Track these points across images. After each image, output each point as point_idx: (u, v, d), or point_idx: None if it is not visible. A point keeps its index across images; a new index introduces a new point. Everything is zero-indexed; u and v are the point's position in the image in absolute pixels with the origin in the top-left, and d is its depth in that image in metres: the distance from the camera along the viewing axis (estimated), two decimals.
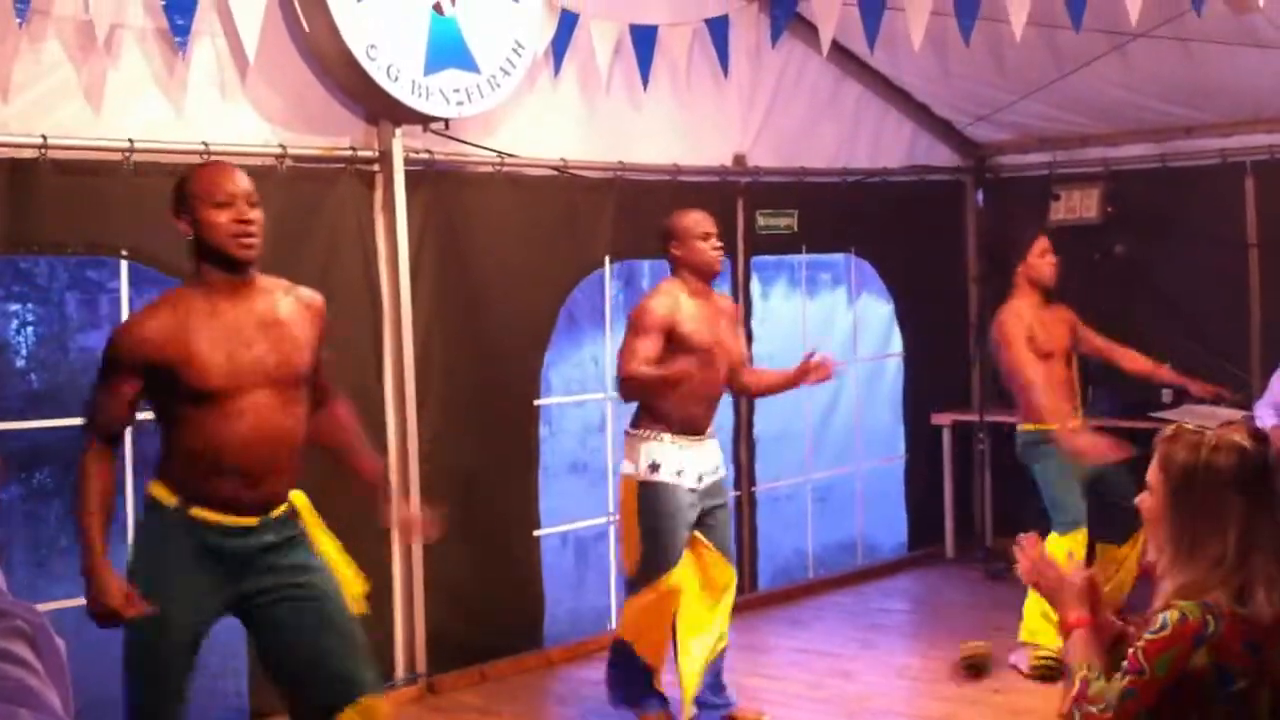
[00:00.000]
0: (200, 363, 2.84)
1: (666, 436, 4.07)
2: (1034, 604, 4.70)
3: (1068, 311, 5.10)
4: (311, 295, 3.11)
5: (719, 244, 4.18)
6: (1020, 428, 5.00)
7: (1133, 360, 5.28)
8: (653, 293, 4.19)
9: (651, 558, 4.03)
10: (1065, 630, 2.21)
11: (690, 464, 4.09)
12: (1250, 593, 2.04)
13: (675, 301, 4.10)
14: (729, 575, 4.21)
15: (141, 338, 2.86)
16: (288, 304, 3.01)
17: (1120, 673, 2.05)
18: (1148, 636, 2.03)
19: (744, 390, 4.48)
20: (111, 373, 2.88)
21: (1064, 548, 4.60)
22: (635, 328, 4.07)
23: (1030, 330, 4.88)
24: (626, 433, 4.18)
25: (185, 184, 2.98)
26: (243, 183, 2.94)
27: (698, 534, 4.15)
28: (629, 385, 4.04)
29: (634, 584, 4.09)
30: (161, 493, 2.92)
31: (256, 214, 2.93)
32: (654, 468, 4.06)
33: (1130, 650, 2.05)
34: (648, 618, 4.05)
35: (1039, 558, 2.31)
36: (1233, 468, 2.09)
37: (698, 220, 4.16)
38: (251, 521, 2.92)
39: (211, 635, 3.01)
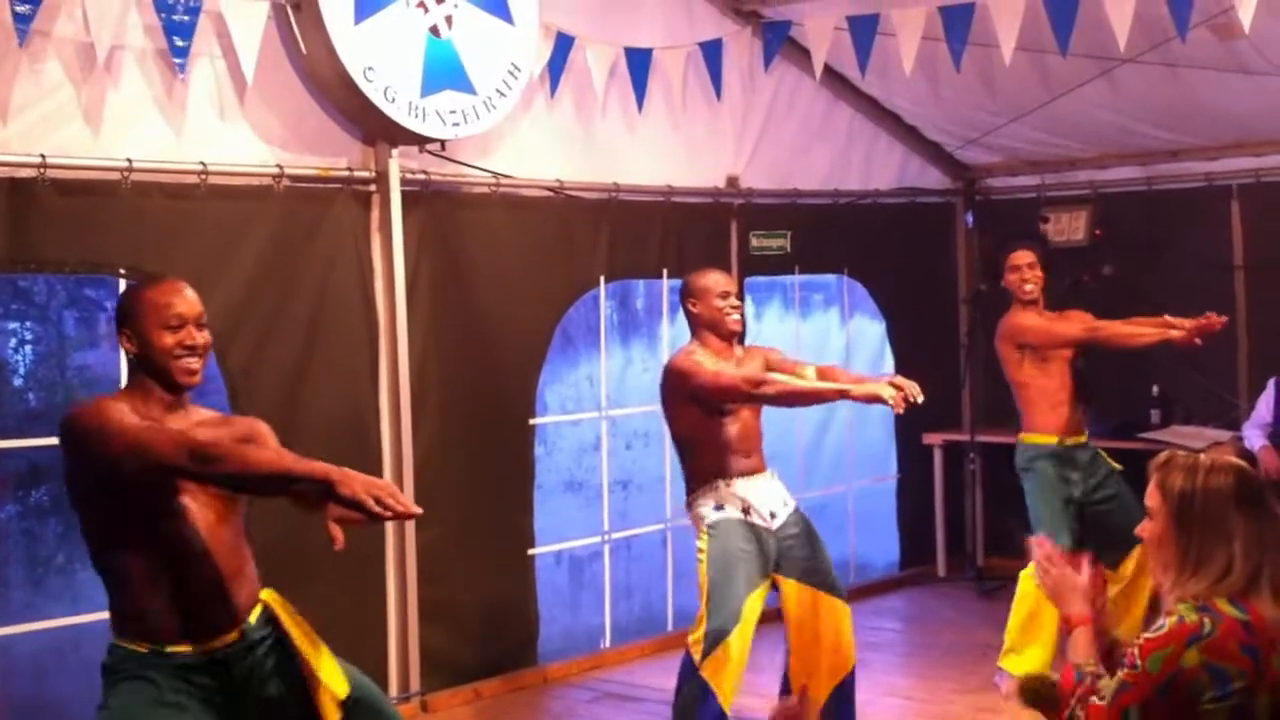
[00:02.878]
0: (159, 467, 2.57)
1: (720, 482, 4.02)
2: (1016, 622, 4.72)
3: (1082, 315, 5.01)
4: (258, 426, 2.91)
5: (737, 303, 4.13)
6: (1021, 439, 4.96)
7: (1142, 336, 4.92)
8: (680, 354, 4.11)
9: (717, 608, 3.91)
10: (1068, 628, 2.29)
11: (756, 499, 4.02)
12: (1258, 596, 2.10)
13: (701, 358, 4.04)
14: (838, 610, 4.10)
15: (125, 412, 2.62)
16: (211, 416, 2.85)
17: (1121, 668, 2.12)
18: (1146, 636, 2.10)
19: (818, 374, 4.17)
20: (125, 425, 2.59)
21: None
22: (694, 375, 3.98)
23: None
24: (687, 510, 4.09)
25: (134, 297, 2.78)
26: (194, 304, 2.76)
27: (794, 581, 4.05)
28: (750, 392, 3.90)
29: (711, 637, 3.90)
30: (128, 645, 2.68)
31: (203, 337, 2.75)
32: (719, 508, 4.01)
33: (1130, 649, 2.12)
34: (725, 680, 3.92)
35: (1047, 556, 2.39)
36: (1231, 486, 2.16)
37: (717, 280, 4.13)
38: (232, 637, 2.72)
39: None
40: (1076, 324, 4.91)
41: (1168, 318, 4.84)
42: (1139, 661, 2.08)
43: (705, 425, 4.04)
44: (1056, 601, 2.35)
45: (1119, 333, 4.89)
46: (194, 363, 2.74)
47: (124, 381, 2.97)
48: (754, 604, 3.98)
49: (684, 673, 4.00)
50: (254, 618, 2.77)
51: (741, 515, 4.01)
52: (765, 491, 4.08)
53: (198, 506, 2.70)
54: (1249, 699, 2.05)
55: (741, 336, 4.28)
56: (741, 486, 4.03)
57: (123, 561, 2.69)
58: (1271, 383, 5.53)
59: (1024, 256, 4.91)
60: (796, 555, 4.08)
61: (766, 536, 4.02)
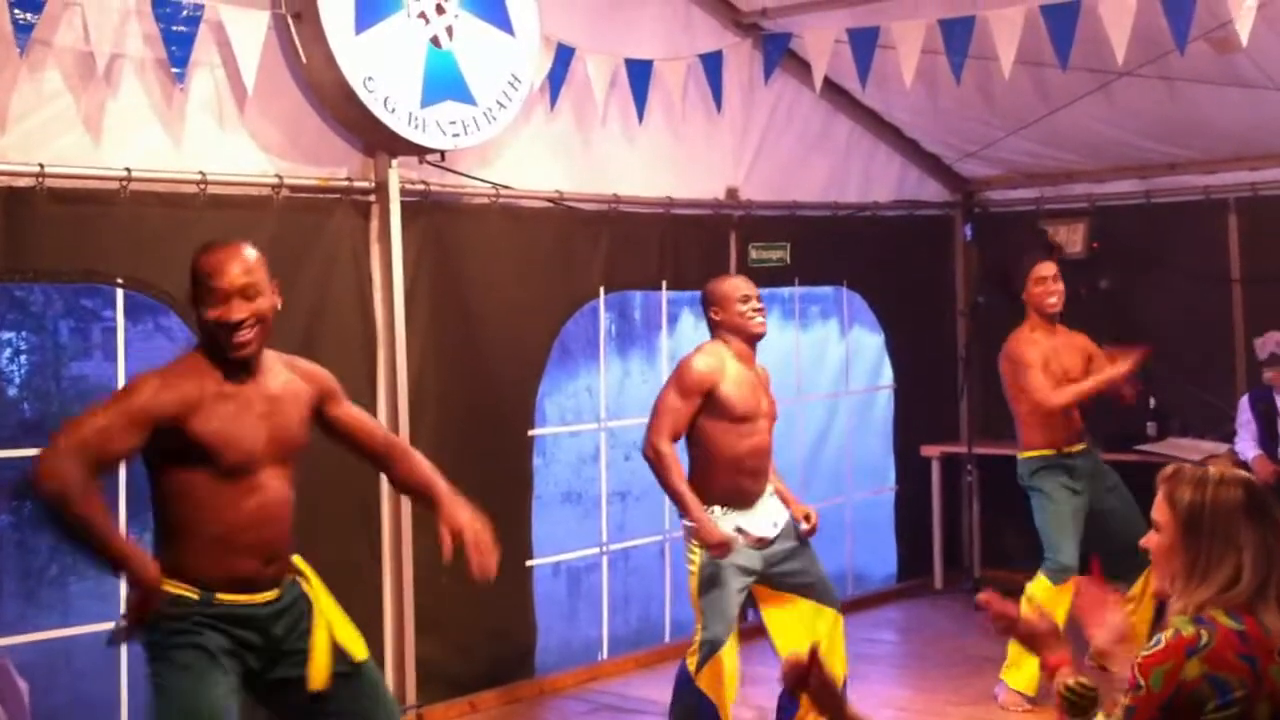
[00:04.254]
0: (221, 438, 2.76)
1: (716, 509, 4.01)
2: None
3: (1085, 339, 5.00)
4: (308, 366, 3.04)
5: (759, 305, 4.13)
6: (1020, 455, 4.95)
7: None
8: (696, 350, 4.12)
9: (709, 623, 3.94)
10: (1049, 672, 2.28)
11: (749, 524, 4.03)
12: (1263, 607, 2.10)
13: (719, 362, 4.04)
14: (829, 618, 4.12)
15: (169, 394, 2.73)
16: (286, 378, 2.95)
17: (1123, 693, 2.10)
18: (1144, 654, 2.09)
19: None
20: (123, 413, 2.70)
21: (1054, 600, 4.56)
22: (674, 383, 4.03)
23: (1044, 357, 4.81)
24: (683, 524, 4.08)
25: (192, 265, 2.84)
26: (240, 275, 2.78)
27: (783, 594, 4.08)
28: (649, 452, 4.00)
29: (705, 647, 3.95)
30: (179, 589, 2.77)
31: (251, 309, 2.78)
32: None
33: (1130, 670, 2.10)
34: (720, 689, 3.95)
35: (1004, 612, 2.37)
36: (1241, 498, 2.15)
37: (736, 284, 4.13)
38: (271, 596, 2.86)
39: None
40: (1060, 397, 4.76)
41: (1110, 357, 4.79)
42: (1141, 681, 2.06)
43: (713, 434, 4.01)
44: (1030, 649, 2.34)
45: (1079, 395, 4.80)
46: (244, 334, 2.78)
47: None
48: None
49: (680, 683, 4.00)
50: (287, 580, 2.90)
51: (733, 532, 4.01)
52: (758, 517, 4.06)
53: (267, 474, 2.81)
54: (1249, 707, 2.05)
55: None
56: (735, 519, 4.02)
57: (187, 507, 2.77)
58: (1243, 402, 5.56)
59: (1049, 268, 4.88)
60: (787, 569, 4.09)
61: (754, 553, 4.03)
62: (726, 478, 4.02)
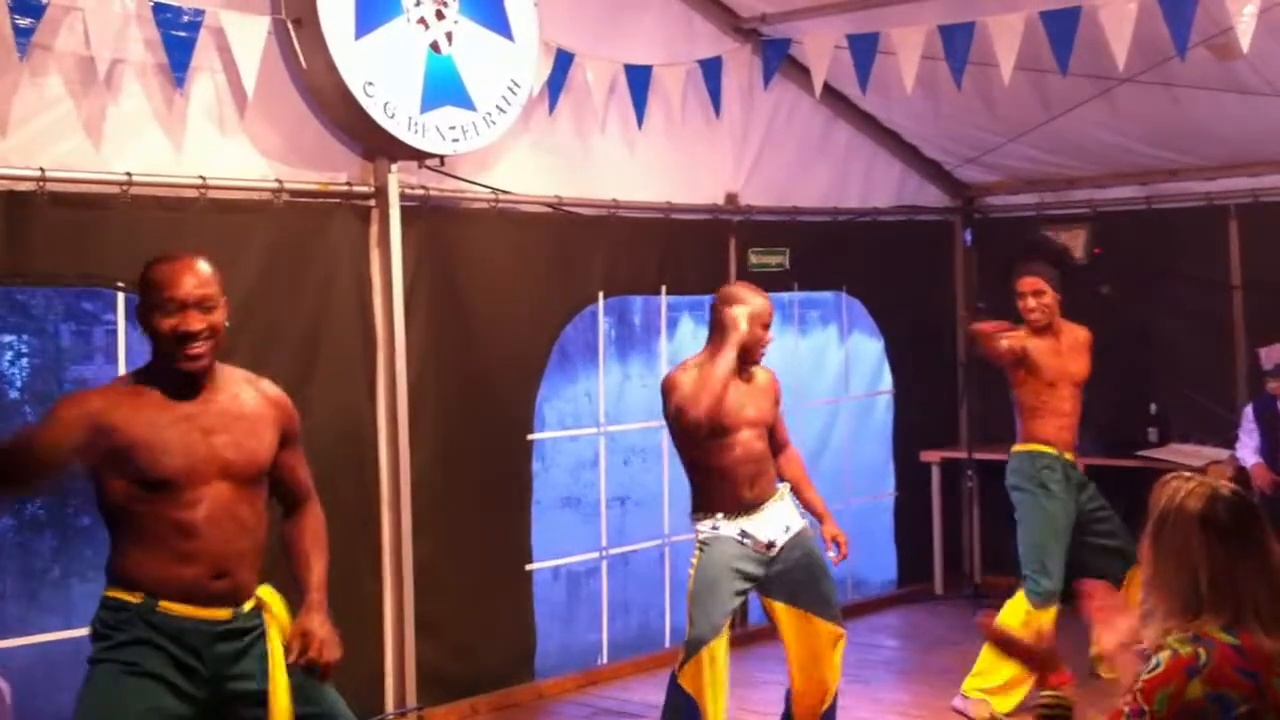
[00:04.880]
0: (155, 449, 2.68)
1: (720, 515, 4.00)
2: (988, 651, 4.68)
3: (1086, 335, 4.96)
4: (276, 391, 2.93)
5: (772, 336, 4.09)
6: (1020, 449, 4.89)
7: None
8: (681, 367, 4.05)
9: (697, 618, 3.93)
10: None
11: (754, 529, 4.01)
12: (1243, 625, 2.07)
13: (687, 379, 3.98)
14: (824, 632, 4.07)
15: (97, 409, 2.67)
16: (249, 396, 2.85)
17: (1124, 717, 2.07)
18: (1144, 677, 2.06)
19: (776, 470, 4.23)
20: (53, 426, 2.64)
21: (1033, 623, 4.52)
22: (677, 399, 3.94)
23: (1028, 354, 4.78)
24: (694, 525, 4.06)
25: (142, 275, 2.77)
26: (197, 287, 2.73)
27: (783, 604, 4.05)
28: (705, 407, 3.86)
29: (691, 645, 3.93)
30: (122, 594, 2.71)
31: (211, 319, 2.73)
32: (715, 528, 3.99)
33: (1129, 694, 2.08)
34: (706, 687, 3.92)
35: (1001, 633, 2.36)
36: (1199, 510, 2.11)
37: (767, 308, 4.05)
38: (225, 614, 2.74)
39: None
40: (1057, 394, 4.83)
41: None
42: (1145, 706, 2.03)
43: (703, 449, 4.01)
44: (1028, 669, 2.32)
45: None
46: (199, 347, 2.72)
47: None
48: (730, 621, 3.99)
49: (669, 685, 4.01)
50: (247, 606, 2.79)
51: (737, 536, 4.00)
52: (766, 521, 4.04)
53: (218, 489, 2.73)
54: None
55: None
56: (740, 524, 4.00)
57: (129, 517, 2.71)
58: (1247, 410, 5.55)
59: (1029, 283, 4.83)
60: (789, 579, 4.06)
61: (758, 558, 4.02)
62: (722, 489, 4.01)
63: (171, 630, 2.70)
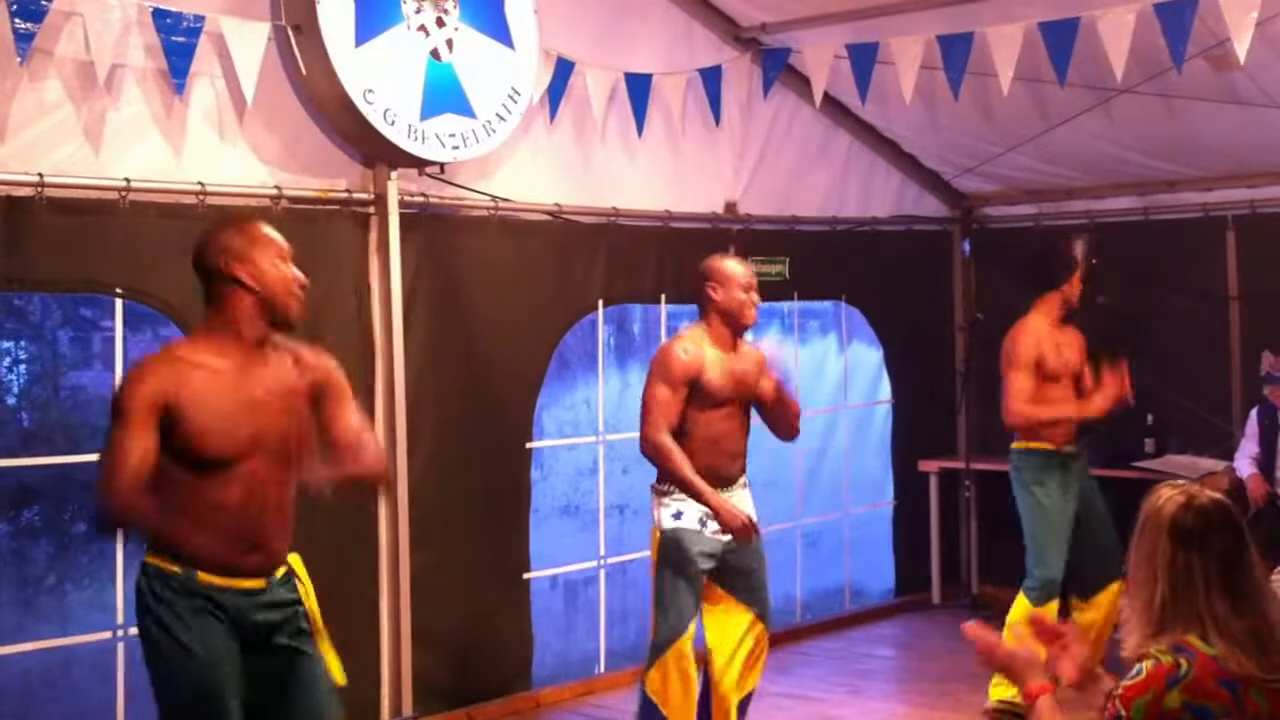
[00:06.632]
0: (204, 428, 2.76)
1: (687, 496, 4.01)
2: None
3: (1079, 335, 5.04)
4: (309, 354, 3.01)
5: (758, 298, 4.11)
6: (1018, 446, 4.91)
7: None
8: (675, 338, 4.10)
9: (666, 613, 3.96)
10: (1029, 700, 2.22)
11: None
12: (1207, 640, 2.06)
13: (699, 349, 4.02)
14: (752, 626, 4.11)
15: (160, 387, 2.75)
16: (294, 369, 2.93)
17: None
18: (1125, 684, 2.06)
19: (787, 431, 4.27)
20: (127, 421, 2.73)
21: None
22: (659, 376, 4.00)
23: (1042, 352, 4.83)
24: (651, 487, 4.09)
25: (238, 233, 2.88)
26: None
27: (729, 594, 4.08)
28: (649, 449, 3.98)
29: (657, 646, 3.98)
30: (162, 562, 2.81)
31: None
32: (677, 516, 4.01)
33: (1109, 699, 2.07)
34: (673, 686, 3.96)
35: (985, 640, 2.33)
36: (1171, 519, 2.11)
37: (743, 269, 4.10)
38: (259, 584, 2.86)
39: None
40: (1028, 411, 4.79)
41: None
42: (1123, 712, 2.04)
43: (691, 416, 4.01)
44: (1010, 679, 2.28)
45: (1052, 418, 4.85)
46: (301, 297, 2.90)
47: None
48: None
49: (639, 693, 4.03)
50: (279, 574, 2.90)
51: (698, 526, 4.00)
52: (732, 502, 4.05)
53: (257, 463, 2.82)
54: None
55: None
56: (700, 511, 3.99)
57: (170, 486, 2.77)
58: (1253, 413, 5.55)
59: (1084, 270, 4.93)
60: (738, 567, 4.07)
61: (716, 547, 4.03)
62: (704, 459, 4.00)
63: (215, 598, 2.80)
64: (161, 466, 2.76)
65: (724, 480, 4.04)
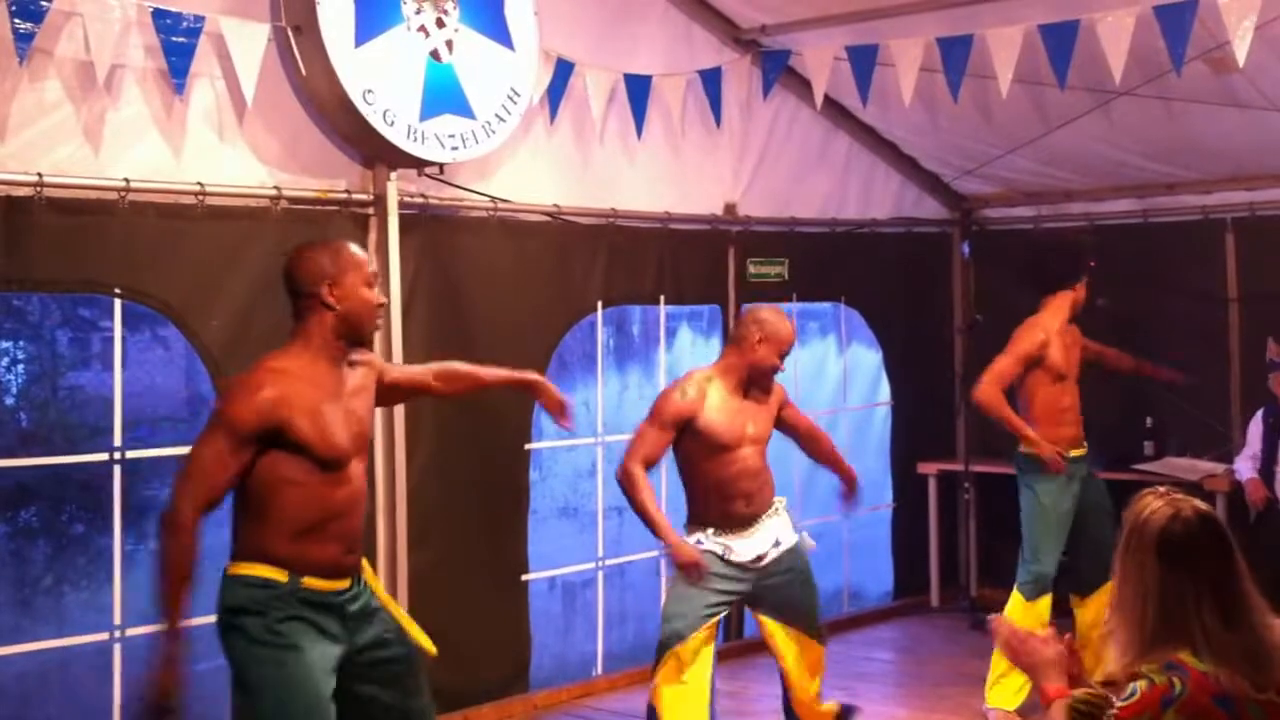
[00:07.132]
0: (318, 435, 2.87)
1: (711, 531, 4.02)
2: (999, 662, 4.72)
3: (1080, 334, 5.17)
4: (369, 355, 3.20)
5: (783, 368, 4.12)
6: (1020, 450, 4.97)
7: (1119, 359, 5.51)
8: (679, 381, 4.11)
9: (670, 620, 3.97)
10: (1045, 702, 2.21)
11: (740, 545, 4.02)
12: (1199, 657, 2.04)
13: (699, 394, 4.01)
14: (808, 648, 4.13)
15: (273, 400, 2.83)
16: (360, 372, 3.09)
17: None
18: (1119, 705, 2.04)
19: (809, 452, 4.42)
20: (230, 434, 2.80)
21: (1031, 616, 4.60)
22: (653, 413, 4.05)
23: (1048, 350, 4.91)
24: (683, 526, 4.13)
25: (330, 255, 3.00)
26: None
27: (770, 619, 4.10)
28: (621, 475, 4.02)
29: (660, 646, 3.99)
30: (267, 572, 2.85)
31: None
32: (700, 542, 4.02)
33: None
34: (683, 704, 3.95)
35: (1011, 635, 2.32)
36: (1157, 533, 2.08)
37: (791, 336, 4.10)
38: (345, 584, 2.96)
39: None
40: (987, 391, 4.92)
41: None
42: None
43: (697, 462, 4.03)
44: (1032, 676, 2.26)
45: (1003, 416, 5.00)
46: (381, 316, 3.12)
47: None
48: (710, 631, 3.99)
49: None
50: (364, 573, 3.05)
51: (719, 552, 4.01)
52: (755, 539, 4.05)
53: (355, 464, 2.96)
54: None
55: None
56: (725, 540, 4.01)
57: (277, 496, 2.86)
58: (1259, 414, 5.55)
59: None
60: (779, 595, 4.08)
61: (742, 574, 4.02)
62: (717, 503, 4.02)
63: (316, 603, 2.88)
64: (275, 478, 2.85)
65: (742, 521, 4.03)
